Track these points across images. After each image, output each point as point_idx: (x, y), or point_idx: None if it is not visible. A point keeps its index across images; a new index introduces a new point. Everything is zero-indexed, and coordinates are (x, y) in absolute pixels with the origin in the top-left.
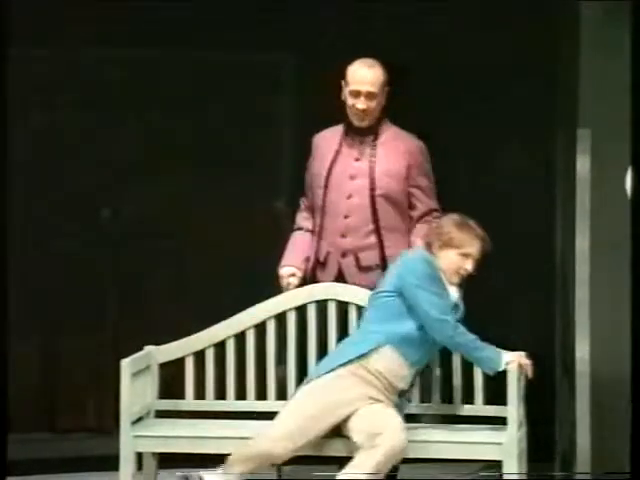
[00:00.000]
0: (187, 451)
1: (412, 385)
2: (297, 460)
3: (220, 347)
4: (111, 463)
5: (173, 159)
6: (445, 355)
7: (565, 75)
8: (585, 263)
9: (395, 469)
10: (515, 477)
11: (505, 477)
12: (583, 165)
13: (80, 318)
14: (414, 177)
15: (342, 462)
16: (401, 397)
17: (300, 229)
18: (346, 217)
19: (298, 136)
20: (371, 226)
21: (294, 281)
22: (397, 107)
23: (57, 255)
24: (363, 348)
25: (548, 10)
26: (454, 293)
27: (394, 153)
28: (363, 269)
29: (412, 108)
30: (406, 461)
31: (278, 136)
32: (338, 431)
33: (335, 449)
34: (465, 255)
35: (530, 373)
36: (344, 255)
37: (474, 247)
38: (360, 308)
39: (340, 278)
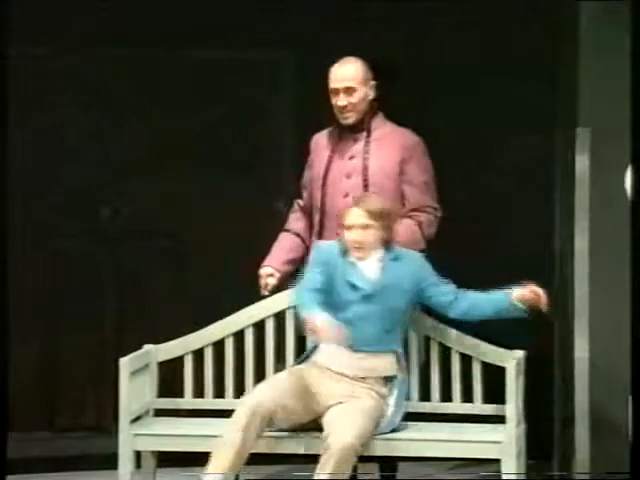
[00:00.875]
0: (186, 449)
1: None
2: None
3: (219, 346)
4: (110, 462)
5: (173, 158)
6: (445, 354)
7: (565, 74)
8: (584, 262)
9: (394, 469)
10: (514, 477)
11: (504, 477)
12: (582, 164)
13: (79, 317)
14: (407, 173)
15: None
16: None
17: (288, 230)
18: None
19: (298, 136)
20: None
21: (272, 281)
22: (396, 106)
23: (57, 254)
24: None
25: (548, 10)
26: (365, 270)
27: (388, 149)
28: None
29: (411, 107)
30: (406, 460)
31: (278, 136)
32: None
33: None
34: (347, 227)
35: (544, 303)
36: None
37: (351, 216)
38: None
39: None
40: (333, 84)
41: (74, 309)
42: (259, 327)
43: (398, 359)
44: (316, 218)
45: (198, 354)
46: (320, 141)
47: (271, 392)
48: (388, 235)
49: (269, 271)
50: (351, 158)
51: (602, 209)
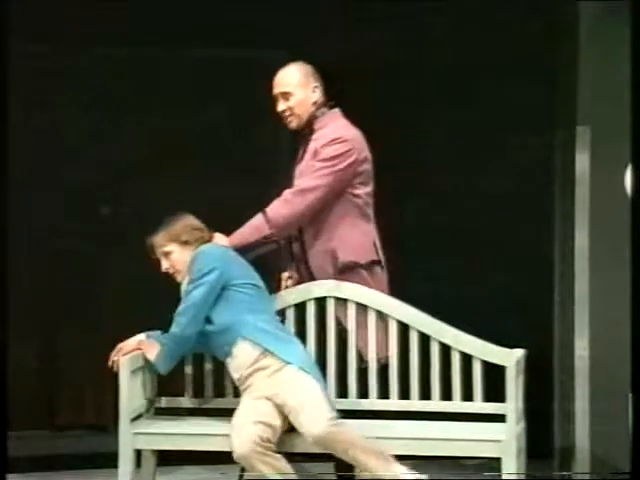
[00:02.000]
0: (186, 448)
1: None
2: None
3: None
4: (110, 460)
5: (173, 158)
6: (444, 353)
7: (565, 74)
8: (584, 261)
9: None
10: (514, 477)
11: (504, 476)
12: (582, 163)
13: (79, 316)
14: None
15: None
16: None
17: None
18: None
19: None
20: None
21: (291, 283)
22: (396, 105)
23: (56, 254)
24: None
25: (548, 10)
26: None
27: (310, 150)
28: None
29: (411, 107)
30: (405, 459)
31: (278, 136)
32: None
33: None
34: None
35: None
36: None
37: (152, 251)
38: (359, 306)
39: None
40: (273, 90)
41: (74, 308)
42: None
43: (253, 341)
44: None
45: (198, 353)
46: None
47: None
48: (195, 247)
49: (288, 274)
50: (299, 161)
51: (602, 207)
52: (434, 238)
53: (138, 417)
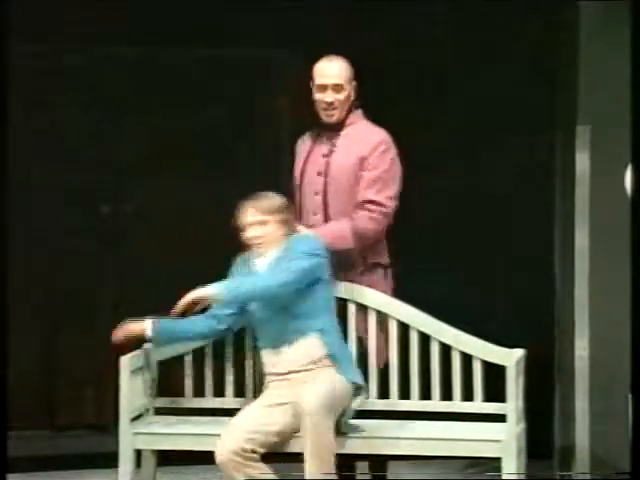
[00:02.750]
0: (186, 448)
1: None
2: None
3: (219, 344)
4: (110, 460)
5: (172, 158)
6: (445, 353)
7: (565, 74)
8: (584, 260)
9: (384, 468)
10: (514, 476)
11: (505, 476)
12: (582, 163)
13: (79, 316)
14: (364, 168)
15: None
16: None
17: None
18: (315, 214)
19: (297, 136)
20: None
21: None
22: (396, 105)
23: (56, 253)
24: None
25: (548, 10)
26: (259, 267)
27: (353, 146)
28: None
29: (411, 107)
30: (405, 459)
31: (278, 136)
32: None
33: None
34: (244, 227)
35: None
36: None
37: (246, 216)
38: (360, 305)
39: None
40: (321, 80)
41: (74, 307)
42: None
43: (322, 340)
44: (299, 218)
45: (198, 353)
46: (301, 143)
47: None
48: (288, 229)
49: None
50: (324, 156)
51: (602, 206)
52: (434, 238)
53: (138, 417)
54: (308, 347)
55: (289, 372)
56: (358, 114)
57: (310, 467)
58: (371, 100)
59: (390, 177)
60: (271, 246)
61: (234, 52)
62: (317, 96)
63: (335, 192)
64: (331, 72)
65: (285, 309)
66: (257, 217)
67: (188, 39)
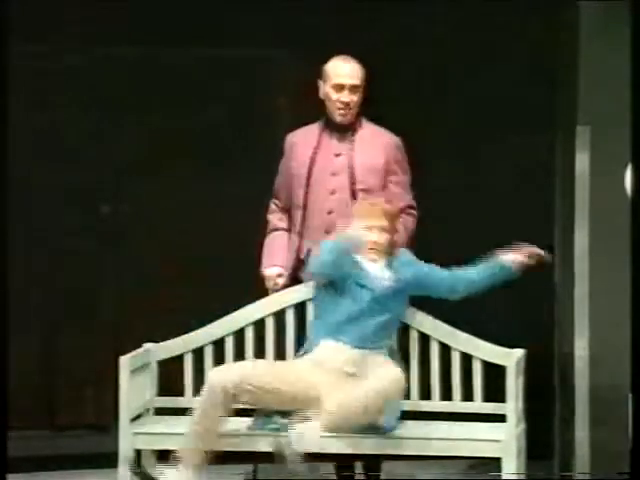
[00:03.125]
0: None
1: None
2: None
3: (219, 344)
4: (110, 460)
5: (172, 158)
6: (445, 353)
7: (565, 74)
8: (584, 260)
9: (377, 468)
10: (514, 476)
11: (504, 476)
12: (582, 163)
13: (79, 315)
14: (392, 172)
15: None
16: None
17: (276, 229)
18: (329, 213)
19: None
20: None
21: (281, 281)
22: (396, 105)
23: (56, 253)
24: None
25: (548, 10)
26: (373, 269)
27: (372, 148)
28: None
29: (410, 107)
30: (405, 458)
31: (278, 136)
32: None
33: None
34: (368, 228)
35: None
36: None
37: (373, 218)
38: None
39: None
40: (339, 79)
41: (74, 307)
42: (259, 325)
43: (391, 355)
44: (298, 217)
45: (198, 353)
46: (297, 141)
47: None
48: (394, 237)
49: (278, 271)
50: (337, 155)
51: (602, 206)
52: (434, 238)
53: (138, 417)
54: (378, 360)
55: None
56: (362, 117)
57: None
58: (371, 100)
59: (408, 179)
60: (381, 252)
61: (234, 52)
62: (333, 95)
63: (365, 193)
64: (350, 72)
65: (384, 319)
66: (382, 222)
67: (188, 39)
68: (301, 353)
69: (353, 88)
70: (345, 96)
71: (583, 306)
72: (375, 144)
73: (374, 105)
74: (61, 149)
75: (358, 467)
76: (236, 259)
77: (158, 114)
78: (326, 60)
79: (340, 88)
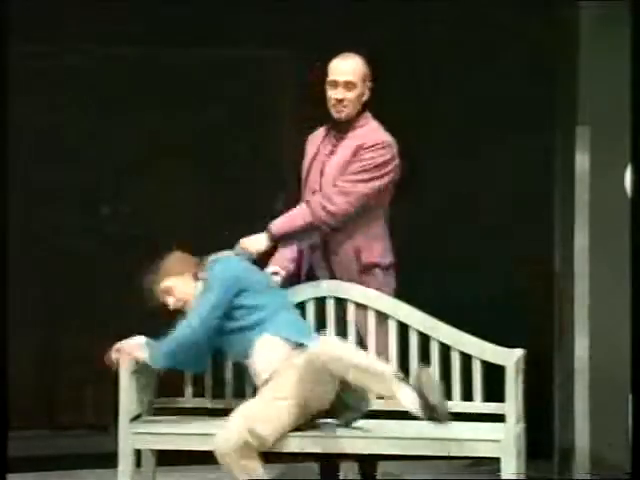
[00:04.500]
0: (186, 448)
1: None
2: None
3: None
4: (110, 460)
5: (173, 157)
6: (444, 353)
7: (565, 74)
8: (584, 260)
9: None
10: (514, 476)
11: (504, 476)
12: (582, 163)
13: (79, 315)
14: (347, 172)
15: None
16: None
17: None
18: None
19: (298, 136)
20: None
21: (277, 279)
22: (396, 105)
23: (56, 253)
24: None
25: (548, 10)
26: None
27: (350, 146)
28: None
29: (410, 107)
30: (404, 458)
31: (278, 136)
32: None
33: None
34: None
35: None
36: (313, 250)
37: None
38: (359, 306)
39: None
40: (333, 76)
41: (74, 307)
42: None
43: (281, 338)
44: None
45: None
46: (312, 140)
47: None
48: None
49: (273, 269)
50: (330, 154)
51: (602, 207)
52: (434, 238)
53: (138, 417)
54: (270, 351)
55: (270, 374)
56: (368, 116)
57: None
58: (371, 100)
59: (364, 184)
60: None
61: (234, 52)
62: (328, 93)
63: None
64: (344, 69)
65: (230, 328)
66: (162, 287)
67: (188, 39)
68: None
69: (347, 84)
70: (339, 93)
71: (583, 306)
72: (356, 142)
73: (374, 105)
74: (61, 149)
75: (344, 468)
76: None
77: (158, 114)
78: (325, 60)
79: (334, 85)
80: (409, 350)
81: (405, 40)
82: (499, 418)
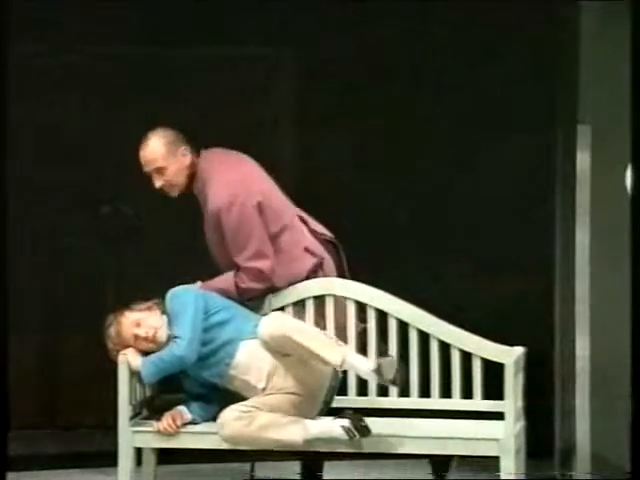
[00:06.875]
0: (186, 446)
1: None
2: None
3: None
4: (111, 459)
5: None
6: (444, 351)
7: (565, 73)
8: (584, 260)
9: (319, 468)
10: (513, 475)
11: (503, 475)
12: (583, 163)
13: (80, 315)
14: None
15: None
16: None
17: None
18: None
19: (298, 136)
20: None
21: None
22: (396, 105)
23: (57, 253)
24: None
25: (548, 9)
26: None
27: (212, 214)
28: None
29: (410, 107)
30: (404, 457)
31: (278, 135)
32: None
33: None
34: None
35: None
36: None
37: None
38: (357, 304)
39: None
40: (144, 168)
41: (75, 307)
42: None
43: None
44: None
45: None
46: None
47: None
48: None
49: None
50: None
51: (603, 205)
52: (434, 238)
53: (137, 415)
54: (253, 357)
55: (265, 379)
56: (212, 161)
57: None
58: (371, 100)
59: (243, 235)
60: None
61: (234, 51)
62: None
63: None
64: (147, 159)
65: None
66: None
67: (188, 39)
68: None
69: (158, 171)
70: (157, 182)
71: (583, 306)
72: (210, 206)
73: (373, 105)
74: (61, 149)
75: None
76: None
77: (158, 114)
78: (325, 59)
79: (149, 175)
80: (409, 348)
81: (404, 40)
82: (499, 416)
